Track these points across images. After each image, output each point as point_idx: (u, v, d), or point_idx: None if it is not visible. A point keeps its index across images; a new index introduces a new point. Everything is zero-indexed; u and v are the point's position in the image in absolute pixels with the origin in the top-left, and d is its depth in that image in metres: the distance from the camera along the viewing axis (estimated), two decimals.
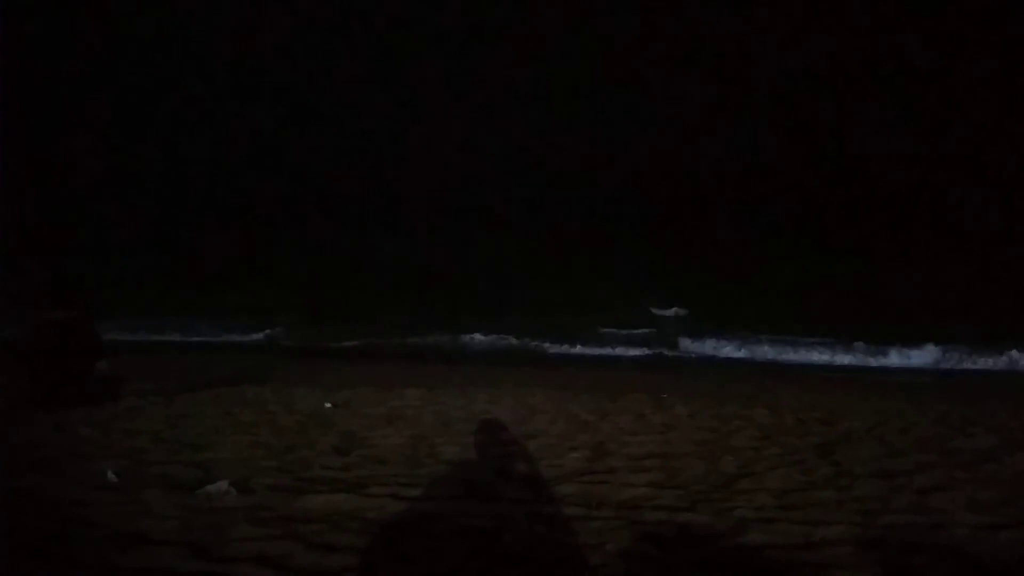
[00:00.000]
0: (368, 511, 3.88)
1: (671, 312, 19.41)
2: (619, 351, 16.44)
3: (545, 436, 6.10)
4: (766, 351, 15.87)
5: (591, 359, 15.85)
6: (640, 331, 17.95)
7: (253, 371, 10.73)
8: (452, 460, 5.23)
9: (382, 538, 3.49)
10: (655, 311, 19.63)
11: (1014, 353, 14.16)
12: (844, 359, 15.08)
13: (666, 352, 16.29)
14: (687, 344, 16.63)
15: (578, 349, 16.60)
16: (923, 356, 14.63)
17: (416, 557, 3.24)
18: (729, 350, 16.13)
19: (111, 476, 4.39)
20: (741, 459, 5.40)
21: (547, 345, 16.92)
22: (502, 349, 16.72)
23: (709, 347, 16.46)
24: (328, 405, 7.46)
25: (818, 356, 15.37)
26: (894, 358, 14.83)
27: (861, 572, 3.18)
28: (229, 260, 26.69)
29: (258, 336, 17.84)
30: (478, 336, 17.44)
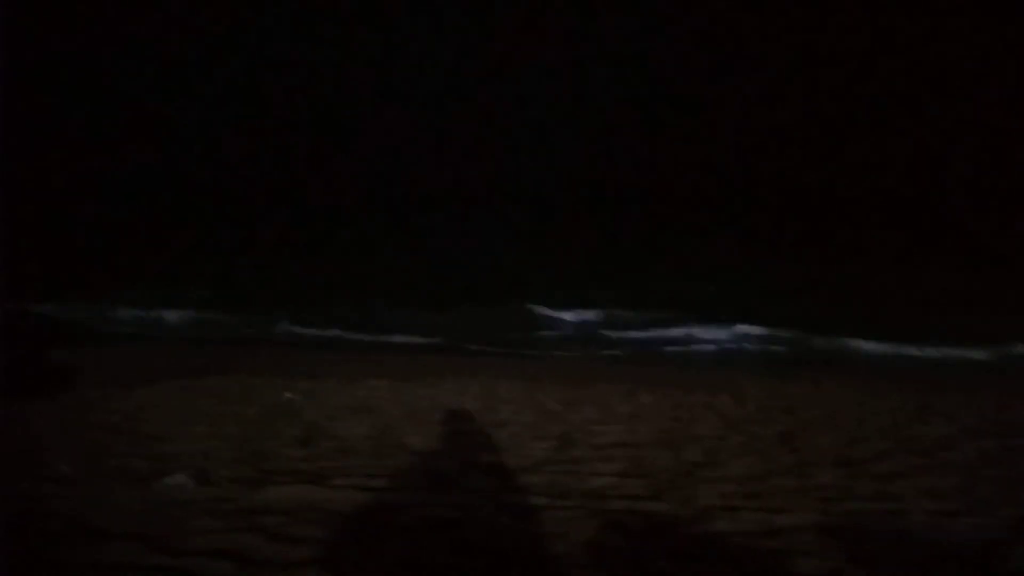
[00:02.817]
0: (331, 502, 3.83)
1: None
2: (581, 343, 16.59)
3: (511, 426, 6.10)
4: (731, 341, 16.03)
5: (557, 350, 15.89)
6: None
7: (216, 361, 10.57)
8: (417, 451, 5.20)
9: (345, 530, 3.45)
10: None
11: (975, 345, 14.58)
12: (807, 350, 15.30)
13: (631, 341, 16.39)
14: (654, 335, 16.74)
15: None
16: (883, 347, 14.91)
17: (380, 548, 3.21)
18: (696, 340, 16.27)
19: (65, 469, 4.28)
20: (705, 448, 5.45)
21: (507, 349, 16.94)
22: (463, 344, 16.65)
23: (677, 337, 16.58)
24: (291, 396, 7.38)
25: (780, 347, 15.56)
26: (854, 349, 15.08)
27: (821, 559, 3.22)
28: (195, 249, 26.26)
29: (224, 325, 17.55)
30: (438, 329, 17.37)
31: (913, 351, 14.61)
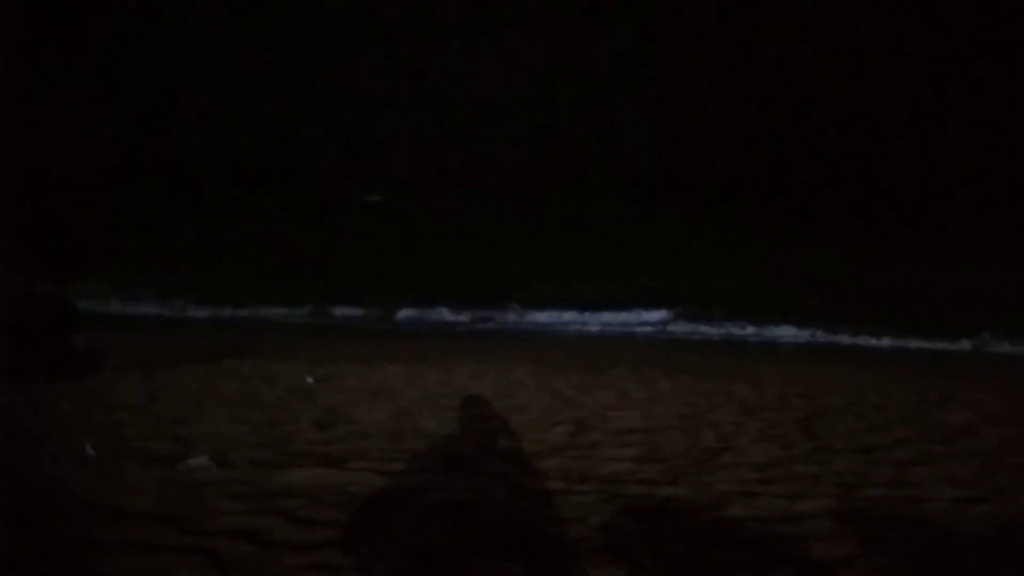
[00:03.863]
0: (349, 485, 3.87)
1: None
2: (604, 328, 16.50)
3: (528, 411, 6.11)
4: (748, 331, 15.88)
5: (574, 335, 15.87)
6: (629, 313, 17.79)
7: (234, 346, 10.65)
8: (434, 435, 5.22)
9: (363, 512, 3.48)
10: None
11: (985, 336, 14.44)
12: (825, 340, 15.16)
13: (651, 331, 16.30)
14: (674, 325, 16.61)
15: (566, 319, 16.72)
16: (905, 342, 14.74)
17: (397, 531, 3.24)
18: (711, 330, 16.14)
19: (89, 450, 4.34)
20: (722, 434, 5.44)
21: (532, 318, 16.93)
22: (483, 325, 16.68)
23: (695, 326, 16.43)
24: (310, 380, 7.43)
25: (800, 336, 15.43)
26: (870, 340, 14.94)
27: (839, 545, 3.21)
28: (209, 234, 26.45)
29: (240, 311, 17.66)
30: (461, 313, 17.37)
31: (937, 345, 14.44)
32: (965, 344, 14.34)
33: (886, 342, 14.75)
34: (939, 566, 3.04)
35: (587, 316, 17.33)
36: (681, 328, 16.53)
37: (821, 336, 15.38)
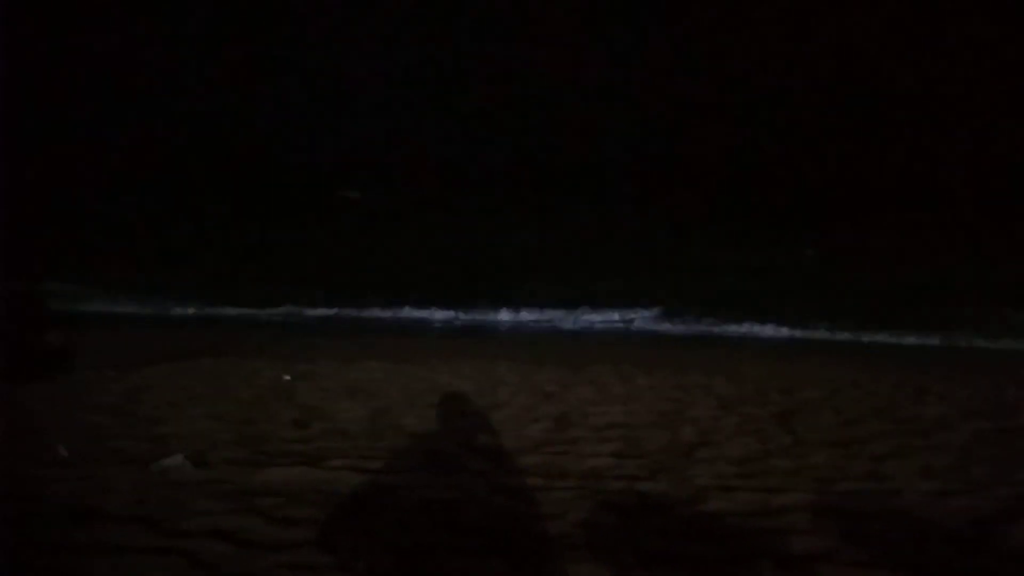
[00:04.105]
0: (328, 484, 3.84)
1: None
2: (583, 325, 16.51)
3: (508, 408, 6.11)
4: (728, 327, 15.95)
5: (556, 332, 15.87)
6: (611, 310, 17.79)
7: (211, 344, 10.55)
8: (414, 432, 5.20)
9: (342, 511, 3.46)
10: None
11: (960, 331, 14.70)
12: (804, 336, 15.26)
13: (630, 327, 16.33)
14: (654, 322, 16.65)
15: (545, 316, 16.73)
16: (883, 337, 14.89)
17: (376, 529, 3.22)
18: (691, 327, 16.21)
19: (62, 451, 4.28)
20: (701, 429, 5.47)
21: (506, 317, 16.91)
22: (464, 323, 16.64)
23: (676, 324, 16.48)
24: (287, 377, 7.37)
25: (779, 332, 15.51)
26: (847, 335, 15.08)
27: (817, 538, 3.23)
28: (187, 232, 26.22)
29: (218, 309, 17.49)
30: (440, 310, 17.31)
31: (913, 340, 14.60)
32: (940, 339, 14.51)
33: (863, 338, 14.90)
34: (916, 558, 3.07)
35: (569, 313, 17.37)
36: (662, 325, 16.61)
37: (799, 332, 15.50)
